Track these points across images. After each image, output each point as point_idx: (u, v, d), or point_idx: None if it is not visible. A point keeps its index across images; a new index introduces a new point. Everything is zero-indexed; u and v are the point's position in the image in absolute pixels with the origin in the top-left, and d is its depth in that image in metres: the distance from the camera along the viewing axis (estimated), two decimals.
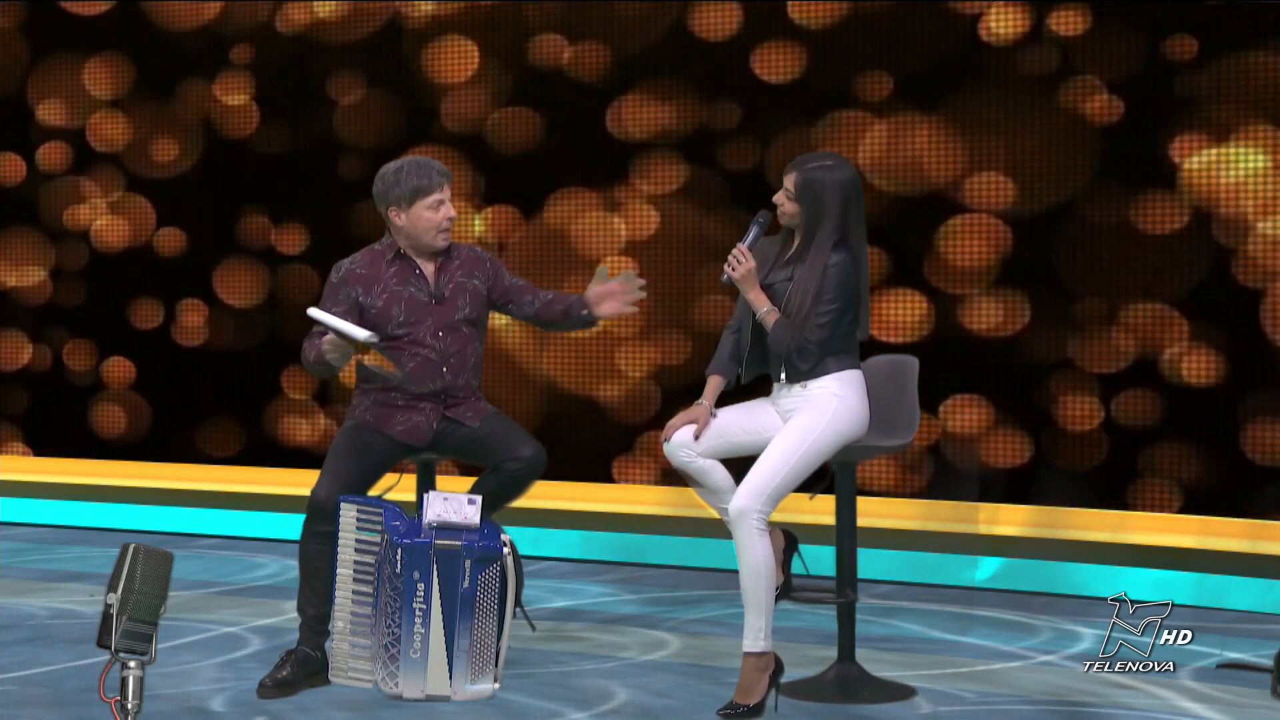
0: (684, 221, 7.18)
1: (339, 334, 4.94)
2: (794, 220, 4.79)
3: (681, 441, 4.75)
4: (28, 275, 8.49)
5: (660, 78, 7.19)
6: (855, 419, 4.75)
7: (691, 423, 4.75)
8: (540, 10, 7.39)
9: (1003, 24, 6.55)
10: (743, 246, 4.78)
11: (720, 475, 4.78)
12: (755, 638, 4.67)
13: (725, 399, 4.87)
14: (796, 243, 4.81)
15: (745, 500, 4.61)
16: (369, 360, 5.27)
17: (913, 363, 5.18)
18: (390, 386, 5.16)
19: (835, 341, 4.71)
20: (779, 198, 4.79)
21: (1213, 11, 6.22)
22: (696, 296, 7.17)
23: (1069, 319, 6.52)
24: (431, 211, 5.16)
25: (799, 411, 4.73)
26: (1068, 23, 6.45)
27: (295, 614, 5.16)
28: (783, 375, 4.78)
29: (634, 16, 7.23)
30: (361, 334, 4.92)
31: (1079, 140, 6.46)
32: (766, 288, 4.77)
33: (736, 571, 4.69)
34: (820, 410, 4.70)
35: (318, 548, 5.04)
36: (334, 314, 5.08)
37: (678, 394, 7.16)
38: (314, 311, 5.00)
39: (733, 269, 4.76)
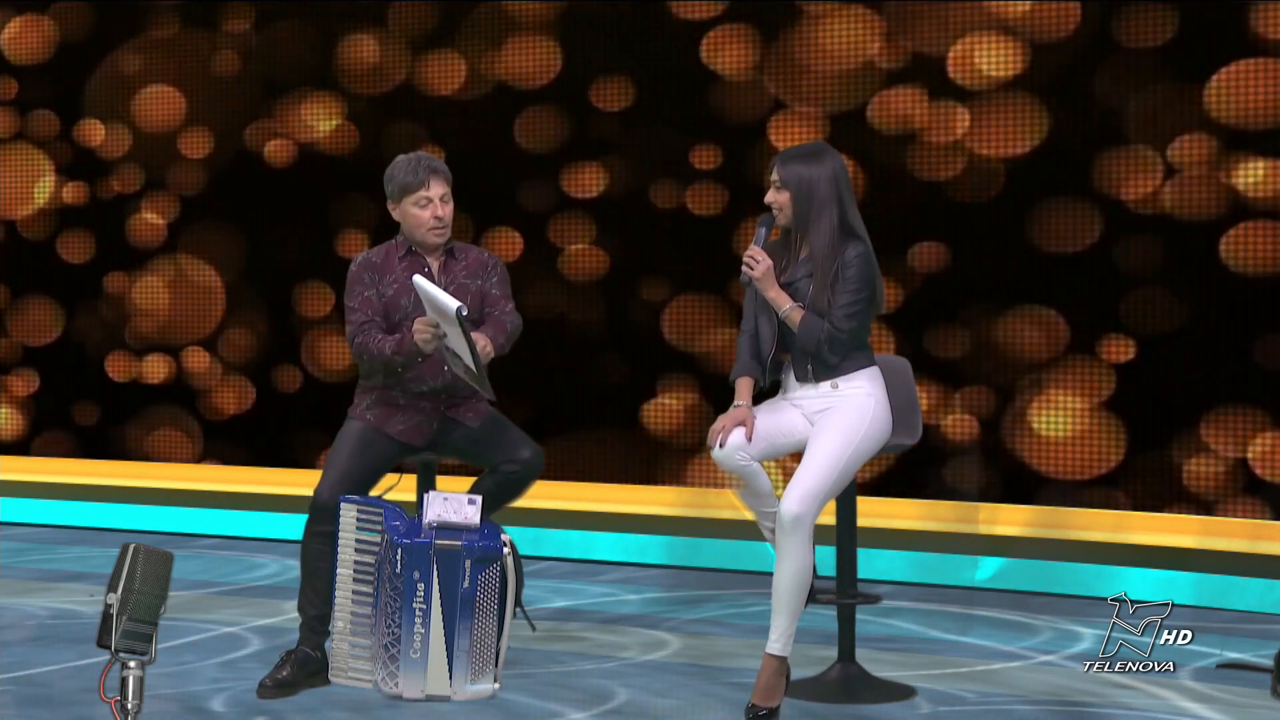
0: (685, 232, 7.20)
1: (433, 305, 4.87)
2: (788, 210, 4.72)
3: (737, 444, 4.67)
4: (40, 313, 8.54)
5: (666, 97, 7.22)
6: (889, 419, 4.74)
7: (739, 425, 4.69)
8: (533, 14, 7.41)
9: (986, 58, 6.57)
10: (756, 247, 4.74)
11: (765, 479, 4.74)
12: (785, 642, 4.63)
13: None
14: (800, 243, 4.76)
15: (801, 505, 4.56)
16: (454, 368, 5.06)
17: (905, 363, 5.18)
18: (396, 383, 5.14)
19: (860, 332, 4.70)
20: (770, 196, 4.74)
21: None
22: (696, 304, 7.18)
23: (1069, 320, 6.53)
24: (419, 209, 5.14)
25: (835, 411, 4.68)
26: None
27: (295, 614, 5.16)
28: (809, 373, 4.73)
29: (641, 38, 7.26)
30: (453, 304, 4.78)
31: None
32: (787, 286, 4.73)
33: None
34: (860, 411, 4.67)
35: (319, 548, 5.04)
36: (365, 296, 5.11)
37: (677, 396, 7.18)
38: (418, 279, 4.94)
39: (750, 268, 4.72)
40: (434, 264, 5.22)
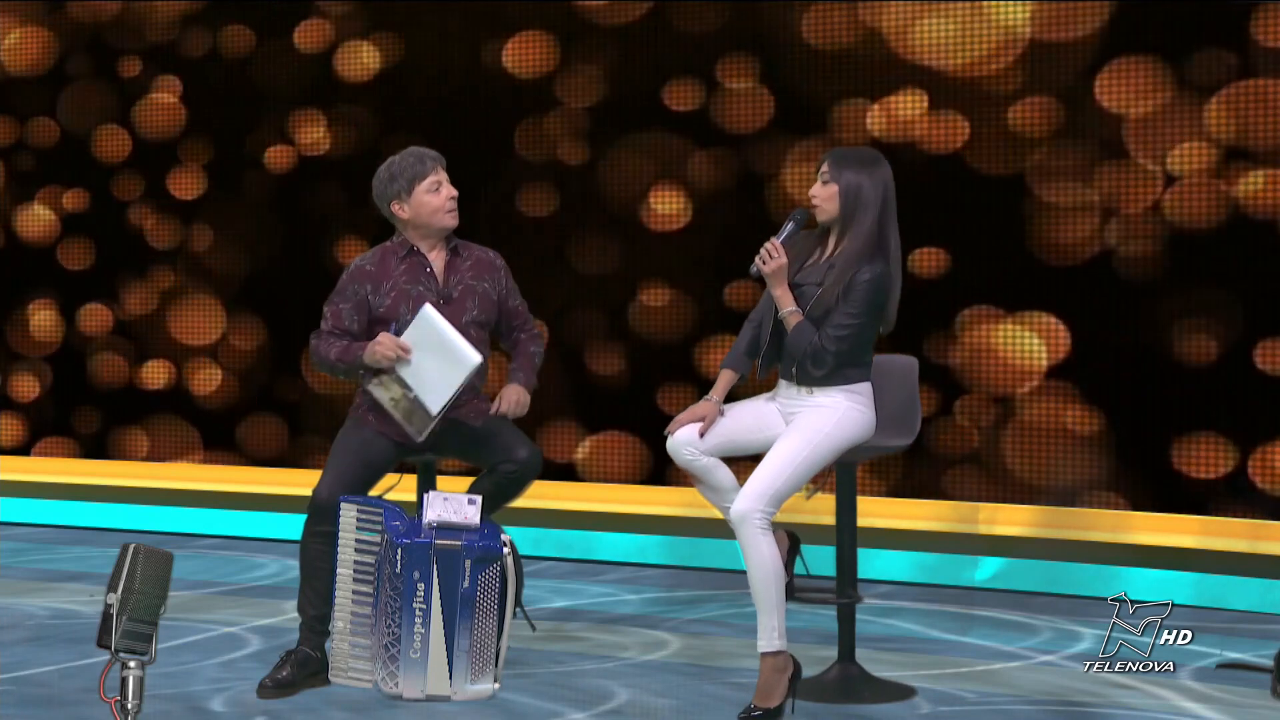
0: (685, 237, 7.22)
1: (437, 341, 4.96)
2: (829, 208, 4.67)
3: (685, 440, 4.69)
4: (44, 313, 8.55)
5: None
6: (862, 428, 4.70)
7: (698, 420, 4.70)
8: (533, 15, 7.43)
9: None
10: (776, 241, 4.69)
11: (724, 474, 4.73)
12: (770, 638, 4.61)
13: (732, 395, 4.84)
14: (831, 244, 4.72)
15: (747, 503, 4.55)
16: (382, 389, 5.10)
17: (913, 363, 5.18)
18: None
19: (853, 353, 4.65)
20: (815, 189, 4.68)
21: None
22: (697, 307, 7.19)
23: (1069, 327, 6.54)
24: (432, 194, 5.17)
25: (804, 414, 4.67)
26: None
27: (295, 614, 5.17)
28: (794, 375, 4.71)
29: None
30: (475, 357, 4.95)
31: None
32: (794, 288, 4.70)
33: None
34: (828, 414, 4.65)
35: (319, 547, 5.04)
36: (341, 309, 5.14)
37: (678, 398, 7.19)
38: (432, 313, 5.00)
39: (763, 262, 4.67)
40: (437, 262, 5.22)
